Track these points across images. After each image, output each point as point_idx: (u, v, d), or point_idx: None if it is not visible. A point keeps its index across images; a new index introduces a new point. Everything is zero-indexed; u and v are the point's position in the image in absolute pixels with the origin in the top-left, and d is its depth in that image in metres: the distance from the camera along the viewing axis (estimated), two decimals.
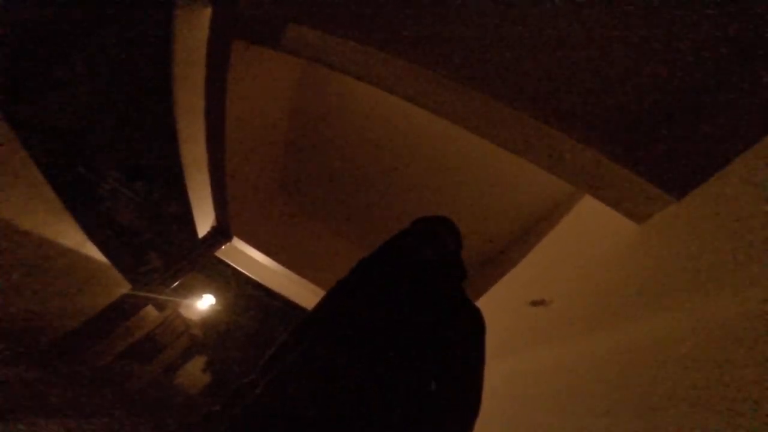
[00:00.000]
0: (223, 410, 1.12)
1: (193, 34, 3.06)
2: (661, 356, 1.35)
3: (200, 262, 6.10)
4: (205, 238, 5.93)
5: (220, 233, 5.76)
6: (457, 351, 1.11)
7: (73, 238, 4.63)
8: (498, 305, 3.00)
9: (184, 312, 9.89)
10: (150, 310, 9.17)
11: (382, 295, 1.17)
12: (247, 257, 6.17)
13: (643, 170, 1.62)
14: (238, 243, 5.75)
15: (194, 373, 16.53)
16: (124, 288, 6.08)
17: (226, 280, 11.64)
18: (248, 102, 3.77)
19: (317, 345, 1.11)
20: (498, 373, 2.15)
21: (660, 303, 1.47)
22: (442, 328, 1.12)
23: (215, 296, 10.24)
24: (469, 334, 1.16)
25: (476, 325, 1.19)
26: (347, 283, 1.29)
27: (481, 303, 3.32)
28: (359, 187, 4.33)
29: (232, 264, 6.90)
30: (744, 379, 1.05)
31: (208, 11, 2.90)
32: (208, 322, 12.95)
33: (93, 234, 5.33)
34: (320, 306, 1.28)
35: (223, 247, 5.89)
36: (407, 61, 1.92)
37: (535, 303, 2.26)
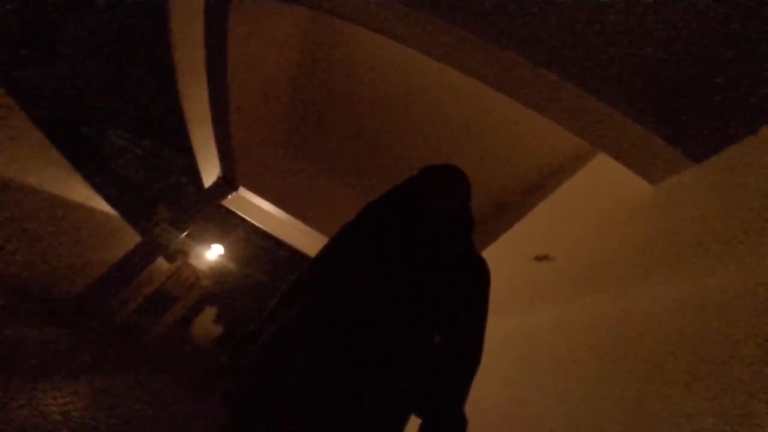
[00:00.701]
0: (230, 362, 1.13)
1: None
2: (660, 324, 1.35)
3: (207, 211, 6.18)
4: (211, 188, 5.96)
5: (226, 183, 5.77)
6: (463, 304, 1.11)
7: (81, 193, 4.63)
8: (502, 258, 3.02)
9: (194, 262, 10.16)
10: (161, 262, 9.42)
11: (389, 244, 1.14)
12: (254, 206, 6.23)
13: (665, 132, 1.58)
14: (244, 192, 5.78)
15: (206, 324, 17.13)
16: (135, 240, 6.19)
17: (235, 230, 11.84)
18: (252, 56, 3.61)
19: (321, 293, 1.10)
20: (498, 330, 2.24)
21: (665, 268, 1.46)
22: (448, 280, 1.11)
23: (224, 246, 10.46)
24: (474, 287, 1.16)
25: (482, 277, 1.19)
26: (353, 229, 1.25)
27: (486, 254, 3.36)
28: (366, 138, 4.24)
29: (239, 213, 6.99)
30: (740, 354, 1.04)
31: None
32: (218, 272, 13.35)
33: (102, 189, 5.34)
34: (325, 251, 1.24)
35: (229, 196, 5.93)
36: (429, 15, 1.78)
37: (539, 258, 2.28)
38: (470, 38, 1.77)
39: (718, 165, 1.51)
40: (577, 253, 2.13)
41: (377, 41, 3.08)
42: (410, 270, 1.09)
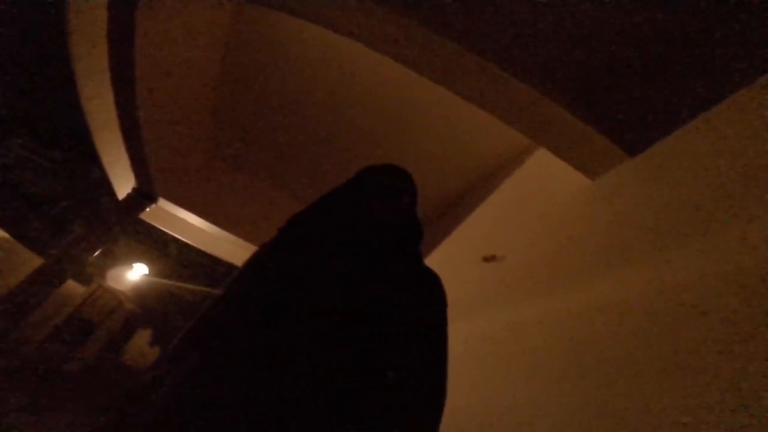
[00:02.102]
0: (118, 419, 0.84)
1: None
2: (618, 319, 1.30)
3: (127, 227, 5.48)
4: (125, 201, 5.28)
5: (142, 195, 5.14)
6: (418, 331, 0.91)
7: None
8: (450, 261, 2.90)
9: (113, 284, 9.08)
10: (73, 286, 8.35)
11: (321, 263, 0.92)
12: (178, 219, 5.62)
13: (599, 125, 1.60)
14: (165, 204, 5.17)
15: (142, 347, 15.84)
16: (35, 263, 5.33)
17: (164, 246, 10.82)
18: (167, 53, 3.18)
19: (237, 330, 0.84)
20: (453, 336, 2.03)
21: (615, 262, 1.44)
22: (397, 304, 0.91)
23: (149, 265, 9.48)
24: (430, 310, 0.97)
25: (437, 297, 0.99)
26: (275, 249, 1.00)
27: (432, 260, 3.23)
28: (299, 139, 3.94)
29: (162, 228, 6.29)
30: (697, 341, 1.02)
31: None
32: (145, 293, 12.13)
33: None
34: (239, 279, 0.99)
35: (147, 209, 5.28)
36: (373, 4, 1.61)
37: (487, 259, 2.17)
38: (413, 29, 1.63)
39: (651, 158, 1.53)
40: (525, 252, 2.07)
41: (309, 35, 2.83)
42: (349, 294, 0.87)
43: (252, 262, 1.01)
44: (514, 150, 2.92)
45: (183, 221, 5.55)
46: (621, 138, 1.61)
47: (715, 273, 1.08)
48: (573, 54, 1.51)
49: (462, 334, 2.05)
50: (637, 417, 1.07)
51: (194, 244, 6.54)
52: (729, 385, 0.90)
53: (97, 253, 5.35)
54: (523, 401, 1.51)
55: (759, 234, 1.03)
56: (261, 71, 3.28)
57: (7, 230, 5.09)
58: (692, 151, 1.37)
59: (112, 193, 5.87)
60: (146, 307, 14.14)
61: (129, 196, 5.25)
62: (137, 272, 9.10)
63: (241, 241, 5.13)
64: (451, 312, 0.99)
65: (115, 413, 0.85)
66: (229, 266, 7.50)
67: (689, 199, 1.28)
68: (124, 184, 5.28)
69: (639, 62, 1.45)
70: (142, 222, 6.26)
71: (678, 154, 1.43)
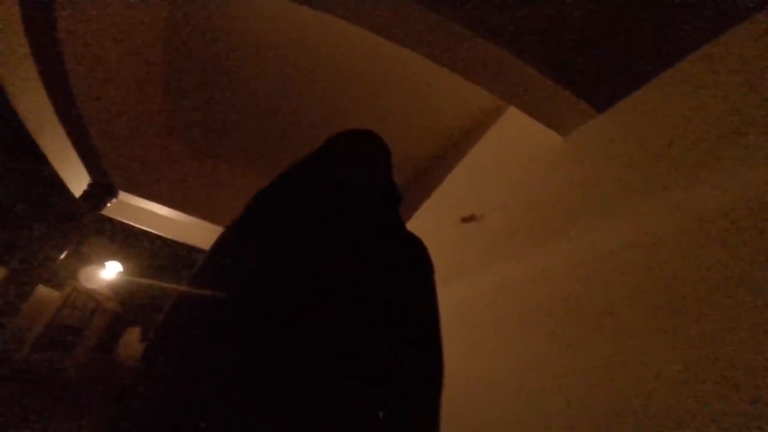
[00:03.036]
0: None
1: None
2: (603, 271, 1.31)
3: (85, 225, 5.17)
4: (83, 199, 4.96)
5: (101, 191, 4.83)
6: (407, 307, 0.84)
7: None
8: (430, 225, 2.86)
9: (88, 284, 8.74)
10: (46, 292, 8.00)
11: (295, 241, 0.82)
12: (144, 211, 5.35)
13: (567, 83, 1.62)
14: (127, 198, 4.89)
15: (134, 344, 15.64)
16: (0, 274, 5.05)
17: (136, 240, 10.43)
18: (101, 36, 2.85)
19: (207, 325, 0.75)
20: (441, 301, 2.00)
21: (592, 215, 1.47)
22: (383, 279, 0.83)
23: (123, 262, 9.14)
24: (417, 279, 0.90)
25: (423, 264, 0.93)
26: (241, 230, 0.89)
27: (411, 225, 3.19)
28: (260, 111, 3.70)
29: (130, 222, 6.00)
30: (679, 294, 1.03)
31: None
32: (125, 291, 11.80)
33: None
34: (203, 269, 0.86)
35: (108, 204, 4.99)
36: None
37: (466, 219, 2.13)
38: None
39: (619, 113, 1.57)
40: (503, 210, 2.07)
41: (258, 2, 2.59)
42: (329, 272, 0.78)
43: (216, 248, 0.88)
44: (486, 111, 2.84)
45: (150, 213, 5.29)
46: (589, 95, 1.63)
47: (692, 218, 1.09)
48: (539, 12, 1.47)
49: (449, 299, 2.05)
50: (631, 368, 1.09)
51: (166, 235, 6.30)
52: (717, 335, 0.91)
53: (63, 255, 5.10)
54: (521, 363, 1.53)
55: (728, 179, 1.04)
56: (208, 46, 3.01)
57: None
58: (658, 105, 1.40)
59: (67, 191, 5.52)
60: (128, 305, 13.83)
61: (86, 192, 4.94)
62: (111, 270, 8.76)
63: (213, 226, 4.94)
64: (437, 277, 0.94)
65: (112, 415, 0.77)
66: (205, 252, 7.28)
67: (658, 150, 1.31)
68: (78, 181, 4.95)
69: (604, 19, 1.44)
70: (108, 218, 5.96)
71: (645, 108, 1.46)
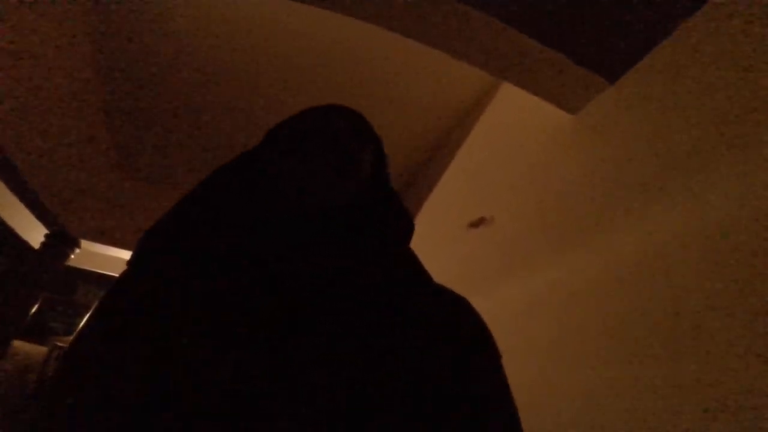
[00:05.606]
0: None
1: None
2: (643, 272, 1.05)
3: (50, 277, 4.75)
4: (41, 252, 4.51)
5: (60, 241, 4.40)
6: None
7: None
8: (433, 234, 2.42)
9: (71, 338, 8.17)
10: (29, 348, 7.48)
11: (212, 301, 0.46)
12: (114, 258, 4.91)
13: (573, 53, 1.43)
14: (90, 246, 4.46)
15: None
16: None
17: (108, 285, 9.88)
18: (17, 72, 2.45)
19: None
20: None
21: (622, 200, 1.22)
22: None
23: None
24: (486, 370, 0.50)
25: (485, 343, 0.53)
26: (123, 285, 0.54)
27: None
28: (224, 127, 3.28)
29: (99, 271, 5.54)
30: (681, 299, 0.88)
31: None
32: None
33: None
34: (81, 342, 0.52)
35: (72, 256, 4.54)
36: None
37: (474, 224, 1.79)
38: None
39: (634, 81, 1.37)
40: (515, 208, 1.76)
41: None
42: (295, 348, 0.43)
43: (97, 317, 0.52)
44: (477, 96, 2.51)
45: (118, 258, 4.84)
46: (598, 64, 1.44)
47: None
48: None
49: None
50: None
51: None
52: None
53: (35, 309, 4.74)
54: (555, 386, 1.22)
55: None
56: (147, 56, 2.61)
57: None
58: (676, 69, 1.19)
59: (24, 244, 5.06)
60: None
61: (44, 244, 4.49)
62: None
63: None
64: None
65: None
66: None
67: (685, 120, 1.07)
68: (34, 232, 4.49)
69: None
70: (73, 269, 5.49)
71: (661, 73, 1.25)
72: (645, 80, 1.31)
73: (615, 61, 1.40)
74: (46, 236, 4.45)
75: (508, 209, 1.76)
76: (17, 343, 6.99)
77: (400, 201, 0.63)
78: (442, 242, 2.26)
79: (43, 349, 7.94)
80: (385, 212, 0.59)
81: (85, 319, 0.56)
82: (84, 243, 4.42)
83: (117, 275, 0.55)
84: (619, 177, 1.24)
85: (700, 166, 0.99)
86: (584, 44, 1.38)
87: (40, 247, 4.62)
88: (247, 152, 0.62)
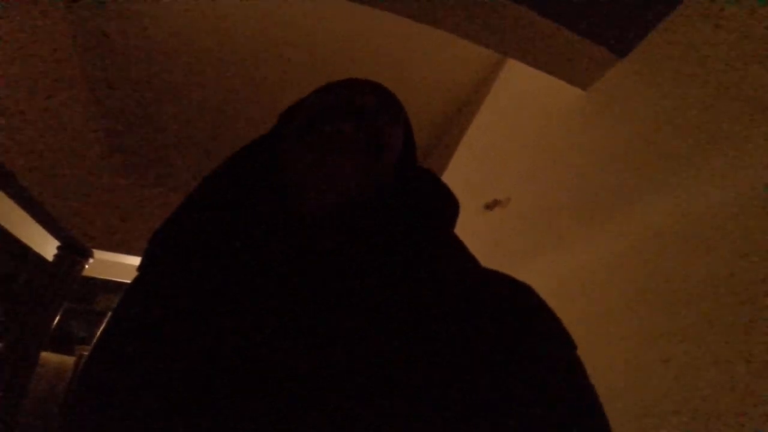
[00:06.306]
0: None
1: None
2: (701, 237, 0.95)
3: (68, 290, 4.81)
4: (55, 264, 4.56)
5: (72, 252, 4.44)
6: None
7: None
8: None
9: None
10: (52, 358, 7.66)
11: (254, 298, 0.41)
12: (128, 266, 4.95)
13: (580, 28, 1.41)
14: (103, 255, 4.49)
15: None
16: None
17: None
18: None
19: None
20: None
21: (642, 175, 1.18)
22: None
23: None
24: (562, 363, 0.41)
25: (559, 336, 0.43)
26: (134, 289, 0.50)
27: None
28: (215, 125, 3.24)
29: (115, 279, 5.61)
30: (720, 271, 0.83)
31: None
32: None
33: None
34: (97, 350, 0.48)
35: (86, 266, 4.59)
36: None
37: (489, 206, 1.75)
38: None
39: (644, 54, 1.36)
40: (531, 188, 1.71)
41: None
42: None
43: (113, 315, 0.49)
44: (481, 76, 2.43)
45: (133, 266, 4.89)
46: (606, 38, 1.42)
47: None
48: None
49: None
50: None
51: None
52: None
53: (57, 320, 4.82)
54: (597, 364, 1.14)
55: None
56: (138, 62, 2.58)
57: None
58: (687, 40, 1.15)
59: (38, 257, 5.13)
60: None
61: (57, 256, 4.53)
62: None
63: None
64: None
65: None
66: None
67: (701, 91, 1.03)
68: (47, 246, 4.54)
69: None
70: (90, 278, 5.55)
71: (672, 45, 1.22)
72: (656, 53, 1.28)
73: (624, 34, 1.38)
74: (59, 248, 4.49)
75: (525, 189, 1.71)
76: (45, 355, 7.14)
77: (439, 179, 0.58)
78: (459, 225, 2.21)
79: (70, 359, 8.12)
80: (427, 193, 0.54)
81: (100, 330, 0.54)
82: (97, 252, 4.45)
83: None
84: (645, 148, 1.19)
85: (726, 134, 0.93)
86: (591, 18, 1.35)
87: (53, 259, 4.67)
88: (261, 138, 0.56)
